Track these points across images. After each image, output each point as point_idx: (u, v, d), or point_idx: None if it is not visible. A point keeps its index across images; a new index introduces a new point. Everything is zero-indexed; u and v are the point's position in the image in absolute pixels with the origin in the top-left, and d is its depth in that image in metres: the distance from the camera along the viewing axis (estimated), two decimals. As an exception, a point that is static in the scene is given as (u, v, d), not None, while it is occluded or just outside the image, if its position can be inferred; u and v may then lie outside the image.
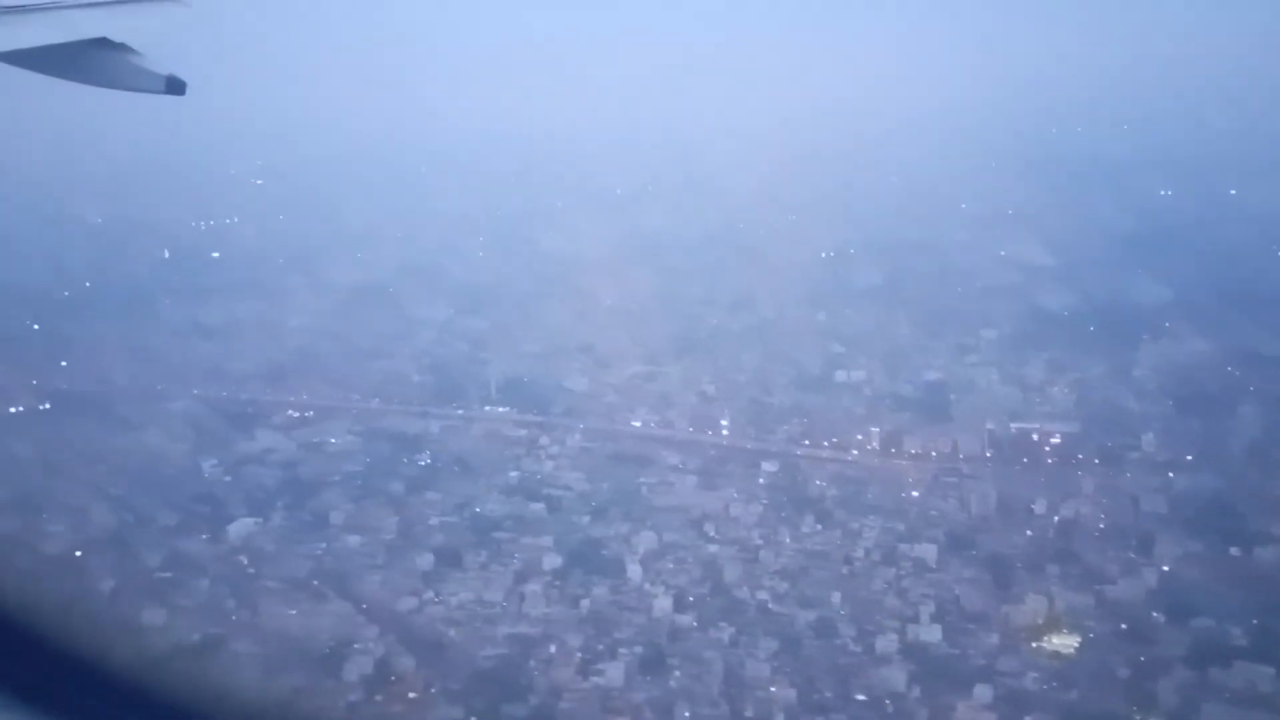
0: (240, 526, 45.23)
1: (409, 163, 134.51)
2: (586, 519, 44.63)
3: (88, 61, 10.93)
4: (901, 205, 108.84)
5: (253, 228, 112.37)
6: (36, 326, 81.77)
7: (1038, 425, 51.31)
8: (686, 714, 30.96)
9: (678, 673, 33.80)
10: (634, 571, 39.70)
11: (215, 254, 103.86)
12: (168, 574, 41.59)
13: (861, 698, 31.53)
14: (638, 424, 57.44)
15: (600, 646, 35.16)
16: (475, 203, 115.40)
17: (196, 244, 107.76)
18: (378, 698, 33.16)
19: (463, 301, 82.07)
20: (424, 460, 53.65)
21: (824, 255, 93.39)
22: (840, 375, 63.40)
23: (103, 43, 10.94)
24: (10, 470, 52.55)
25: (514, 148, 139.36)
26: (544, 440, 54.68)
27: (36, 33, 10.53)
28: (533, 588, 38.83)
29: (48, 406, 63.56)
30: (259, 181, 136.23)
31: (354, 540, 43.66)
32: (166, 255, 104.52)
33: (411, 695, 33.12)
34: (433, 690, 33.34)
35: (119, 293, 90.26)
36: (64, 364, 71.23)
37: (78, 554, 43.96)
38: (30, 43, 10.37)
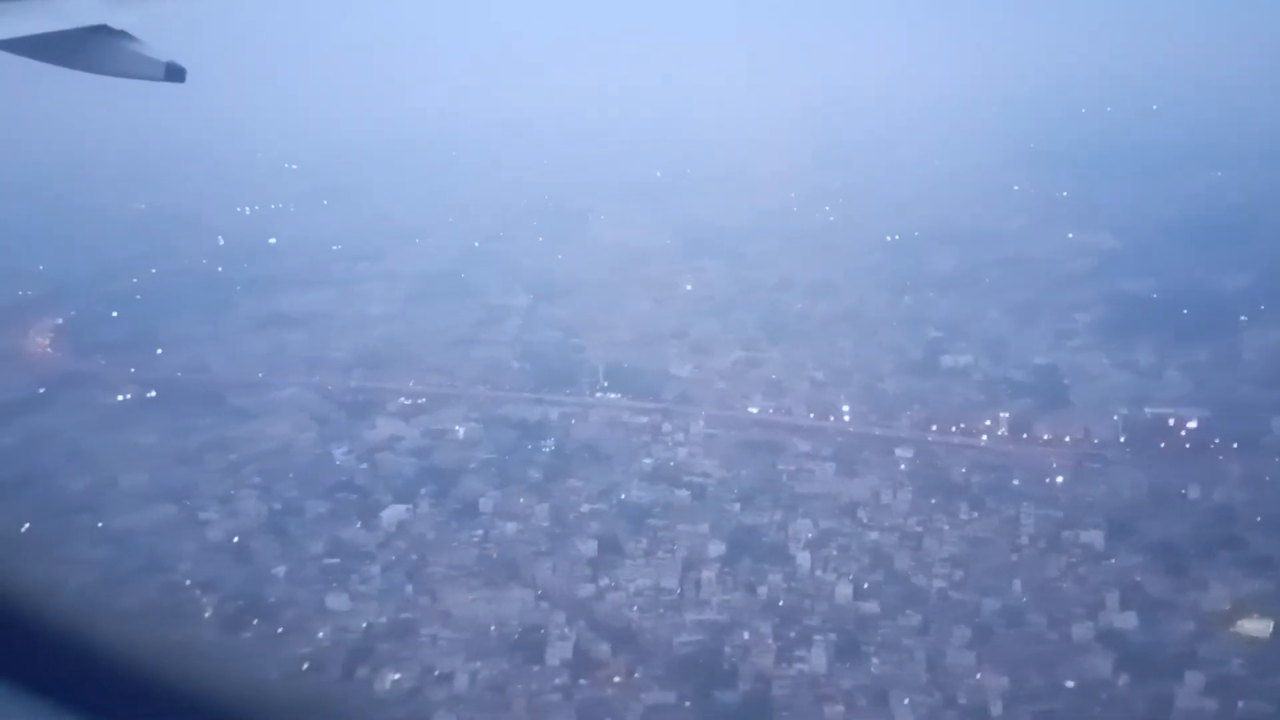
0: (392, 513, 45.55)
1: (434, 150, 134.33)
2: (736, 506, 44.83)
3: (87, 49, 10.85)
4: (949, 190, 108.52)
5: (299, 214, 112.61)
6: (115, 314, 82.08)
7: (1171, 410, 51.37)
8: (905, 701, 31.19)
9: (875, 660, 34.08)
10: (802, 559, 39.92)
11: (271, 240, 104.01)
12: (335, 560, 41.95)
13: (1070, 684, 31.79)
14: (754, 410, 57.60)
15: (792, 634, 35.47)
16: (513, 190, 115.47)
17: (247, 230, 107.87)
18: (582, 681, 33.41)
19: (536, 288, 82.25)
20: (549, 447, 53.87)
21: (887, 239, 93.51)
22: (947, 361, 63.51)
23: (102, 30, 10.88)
24: (141, 458, 52.91)
25: (537, 136, 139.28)
26: (666, 427, 54.86)
27: (35, 20, 10.44)
28: (706, 575, 39.07)
29: (154, 395, 63.84)
30: (293, 166, 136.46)
31: (511, 527, 43.94)
32: (221, 242, 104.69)
33: (617, 680, 33.42)
34: (636, 675, 33.64)
35: (187, 280, 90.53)
36: (159, 352, 71.57)
37: (235, 540, 44.40)
38: (29, 30, 10.29)
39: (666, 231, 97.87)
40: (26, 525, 44.95)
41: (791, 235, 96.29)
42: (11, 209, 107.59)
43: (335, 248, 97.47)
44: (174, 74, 10.98)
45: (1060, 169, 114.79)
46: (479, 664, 34.32)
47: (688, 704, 31.92)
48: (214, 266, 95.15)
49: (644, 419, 56.36)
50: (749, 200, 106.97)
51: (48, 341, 76.29)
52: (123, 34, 11.03)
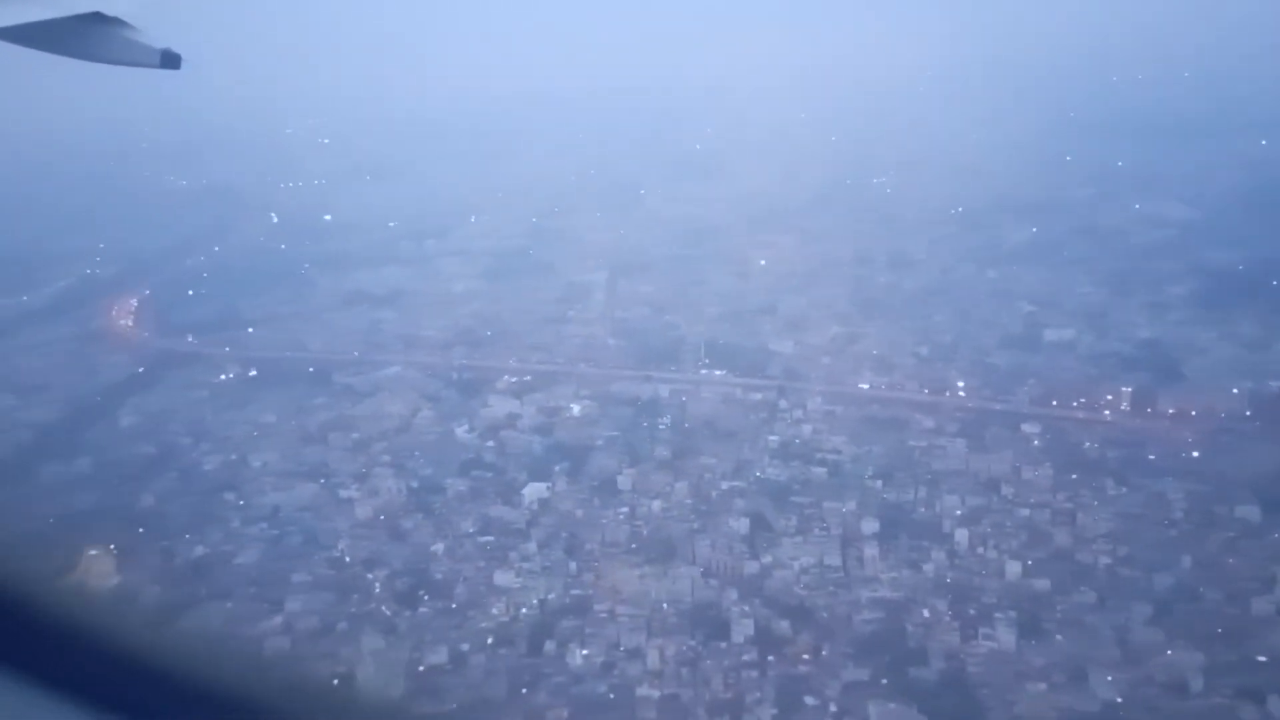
0: (533, 491, 45.82)
1: (461, 124, 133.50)
2: (878, 483, 44.96)
3: (82, 36, 10.79)
4: (1002, 161, 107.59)
5: (345, 190, 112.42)
6: (190, 292, 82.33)
7: (1300, 384, 51.27)
8: (1108, 678, 31.44)
9: (1060, 637, 34.31)
10: (960, 536, 40.08)
11: (327, 217, 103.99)
12: (489, 537, 42.28)
13: (1262, 659, 31.99)
14: (865, 386, 57.63)
15: (971, 611, 35.70)
16: (555, 164, 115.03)
17: (298, 207, 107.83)
18: (770, 658, 33.74)
19: (611, 265, 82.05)
20: (666, 424, 54.04)
21: (953, 212, 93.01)
22: (1050, 335, 63.34)
23: (97, 17, 10.81)
24: (266, 437, 53.28)
25: (563, 110, 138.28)
26: (783, 404, 54.95)
27: (31, 8, 10.40)
28: (868, 552, 39.28)
29: (255, 374, 64.14)
30: (325, 141, 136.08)
31: (656, 505, 44.19)
32: (275, 220, 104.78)
33: (805, 657, 33.73)
34: (824, 653, 33.94)
35: (253, 257, 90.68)
36: (250, 331, 71.80)
37: (382, 517, 44.76)
38: (23, 18, 10.26)
39: (723, 205, 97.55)
40: (178, 503, 45.52)
41: (853, 208, 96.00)
42: (52, 189, 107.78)
43: (392, 224, 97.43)
44: (169, 61, 10.95)
45: (1108, 137, 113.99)
46: (664, 640, 34.63)
47: (884, 681, 32.19)
48: (275, 244, 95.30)
49: (758, 396, 56.46)
50: (798, 173, 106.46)
51: (131, 320, 76.59)
52: (117, 21, 10.94)
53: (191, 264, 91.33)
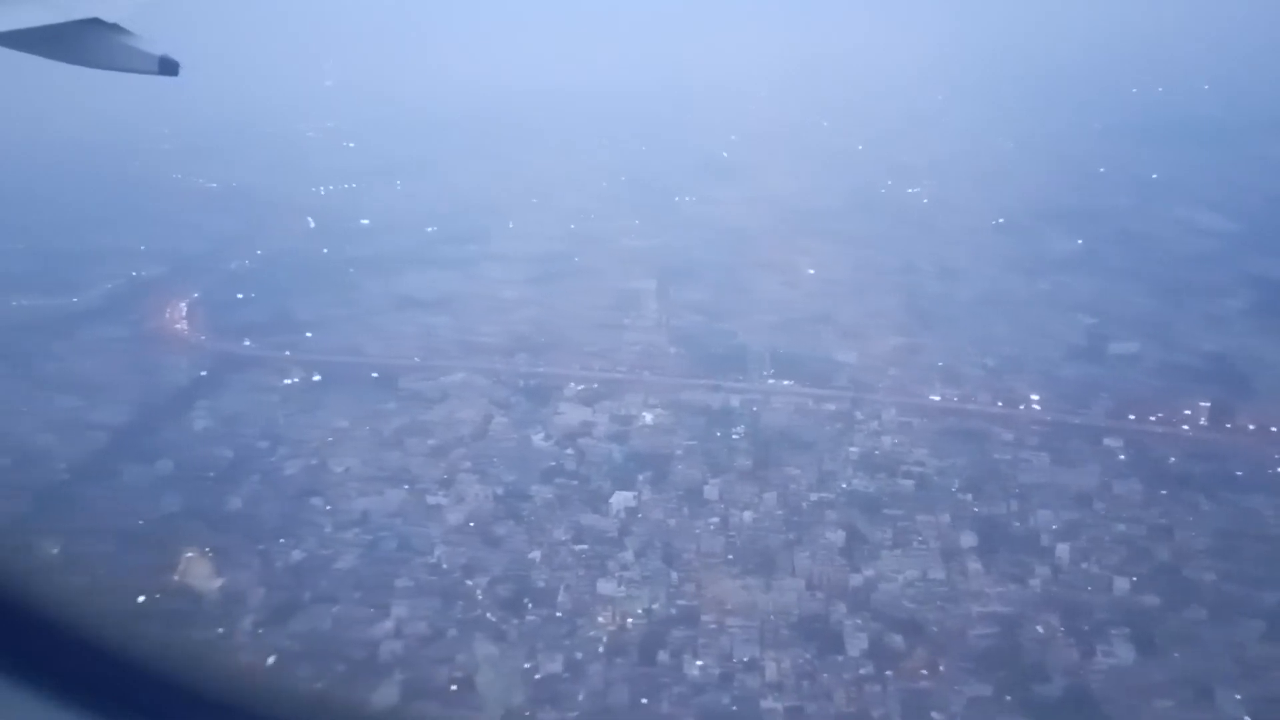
0: (620, 500, 45.78)
1: (481, 125, 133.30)
2: (969, 497, 44.98)
3: (80, 42, 10.75)
4: (1035, 169, 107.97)
5: (377, 193, 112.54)
6: (240, 295, 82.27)
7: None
8: (1237, 696, 31.39)
9: (1178, 654, 34.26)
10: (1061, 551, 40.04)
11: (364, 221, 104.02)
12: (584, 545, 42.24)
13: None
14: (937, 398, 57.61)
15: (1085, 627, 35.64)
16: (582, 167, 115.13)
17: (333, 210, 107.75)
18: (888, 673, 33.68)
19: (656, 272, 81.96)
20: (740, 433, 54.03)
21: (994, 223, 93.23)
22: (1115, 347, 63.40)
23: (94, 23, 10.77)
24: (342, 442, 53.20)
25: (582, 111, 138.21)
26: (858, 415, 54.92)
27: (28, 14, 10.35)
28: (972, 566, 39.23)
29: (319, 378, 64.05)
30: (350, 145, 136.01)
31: (748, 516, 44.14)
32: (312, 224, 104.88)
33: (923, 672, 33.65)
34: (942, 668, 33.88)
35: (296, 261, 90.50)
36: (308, 335, 71.75)
37: (472, 524, 44.73)
38: (21, 24, 10.21)
39: (759, 211, 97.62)
40: (266, 507, 45.48)
41: (891, 216, 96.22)
42: (79, 190, 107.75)
43: (430, 229, 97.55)
44: (167, 67, 10.88)
45: (1137, 147, 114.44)
46: (779, 653, 34.57)
47: (1008, 698, 32.12)
48: (317, 248, 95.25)
49: (831, 406, 56.43)
50: (829, 179, 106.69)
51: (185, 323, 76.56)
52: (115, 27, 10.90)
53: (236, 267, 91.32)
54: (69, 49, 10.83)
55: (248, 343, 70.71)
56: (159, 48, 11.09)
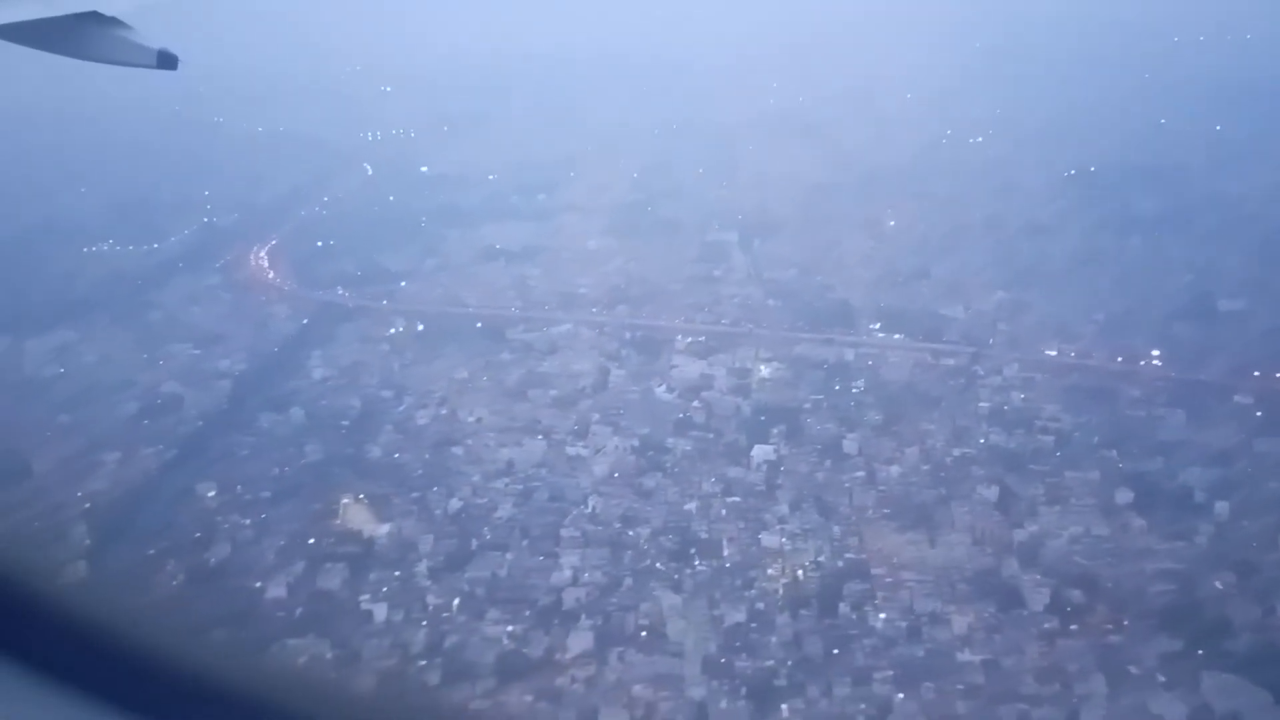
0: (761, 453, 45.88)
1: (516, 76, 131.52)
2: (1113, 453, 44.83)
3: (79, 36, 10.70)
4: (1095, 123, 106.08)
5: (428, 141, 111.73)
6: (319, 244, 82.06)
7: None
8: None
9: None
10: (1220, 508, 40.00)
11: (423, 169, 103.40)
12: (736, 498, 42.43)
13: None
14: (1053, 353, 57.28)
15: (1260, 583, 35.67)
16: (632, 116, 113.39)
17: (389, 158, 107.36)
18: (1073, 628, 33.92)
19: (736, 224, 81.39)
20: (860, 387, 53.96)
21: (1066, 175, 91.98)
22: (1224, 305, 62.68)
23: (93, 16, 10.70)
24: (465, 392, 53.35)
25: (612, 64, 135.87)
26: (979, 370, 54.72)
27: (28, 7, 10.31)
28: (1135, 523, 39.27)
29: (423, 328, 63.96)
30: (387, 89, 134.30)
31: (894, 470, 44.22)
32: (370, 172, 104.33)
33: (1109, 627, 33.88)
34: (1126, 623, 34.10)
35: (366, 209, 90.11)
36: (403, 285, 71.68)
37: (616, 474, 44.93)
38: (20, 16, 10.17)
39: (825, 164, 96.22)
40: (407, 455, 45.73)
41: (961, 169, 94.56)
42: (129, 132, 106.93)
43: (491, 177, 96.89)
44: (166, 61, 10.88)
45: (1193, 100, 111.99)
46: (961, 607, 34.82)
47: (1200, 652, 32.33)
48: (383, 195, 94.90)
49: (950, 361, 56.26)
50: (889, 132, 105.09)
51: (273, 271, 76.48)
52: (114, 20, 10.84)
53: (306, 214, 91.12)
54: (68, 42, 10.83)
55: (341, 291, 70.69)
56: (158, 41, 11.09)
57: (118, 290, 69.34)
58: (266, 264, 77.75)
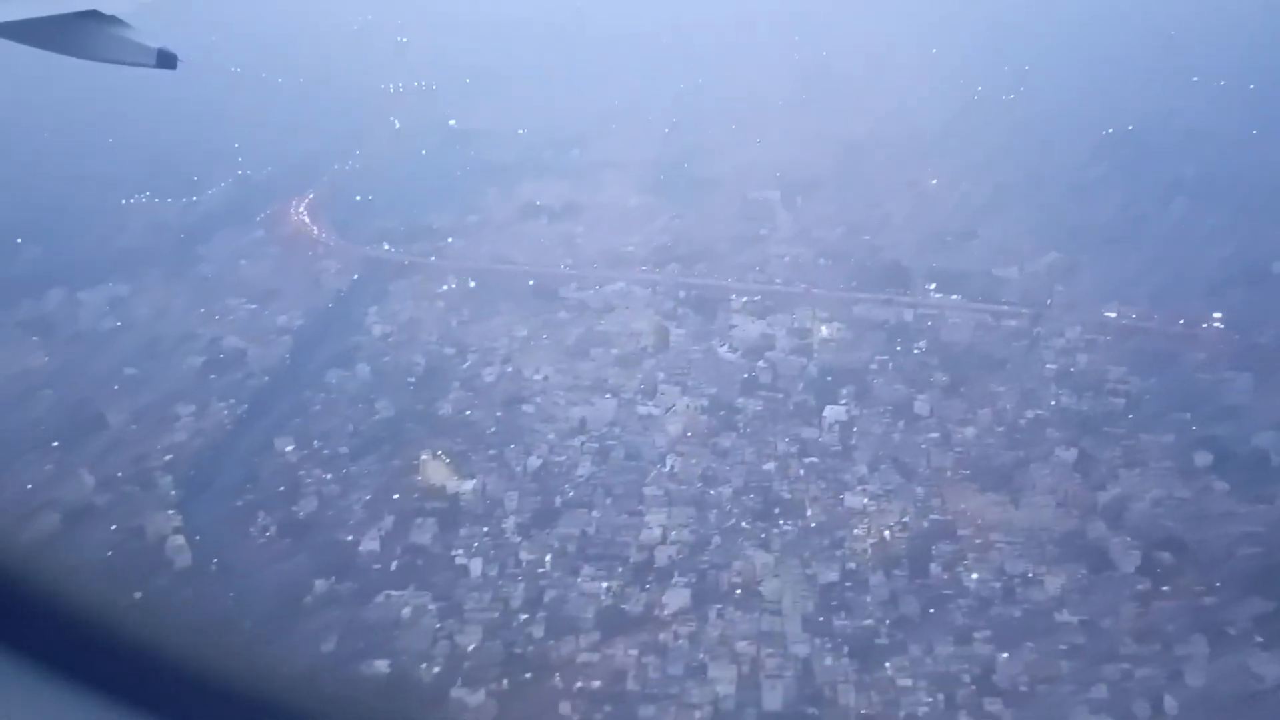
0: (832, 414, 45.85)
1: (520, 29, 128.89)
2: (1185, 415, 44.82)
3: (79, 34, 10.71)
4: (1123, 80, 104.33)
5: (451, 94, 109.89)
6: (358, 198, 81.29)
7: None
8: None
9: None
10: (1299, 471, 40.09)
11: (451, 122, 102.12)
12: (813, 458, 42.51)
13: None
14: (1113, 315, 57.02)
15: (1349, 547, 35.89)
16: (649, 73, 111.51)
17: (412, 110, 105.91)
18: (1165, 588, 34.18)
19: (777, 182, 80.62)
20: (922, 347, 53.86)
21: (1104, 132, 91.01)
22: (1276, 267, 62.32)
23: (93, 15, 10.67)
24: (545, 351, 53.18)
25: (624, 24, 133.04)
26: (1041, 332, 54.53)
27: (27, 5, 10.26)
28: (1216, 485, 39.40)
29: (474, 285, 63.47)
30: (403, 39, 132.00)
31: (969, 432, 44.25)
32: (397, 125, 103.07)
33: (1199, 589, 34.14)
34: (1218, 584, 34.35)
35: (402, 164, 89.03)
36: (449, 240, 71.21)
37: (689, 434, 44.98)
38: (20, 15, 10.12)
39: (859, 122, 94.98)
40: (479, 413, 45.75)
41: (994, 123, 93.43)
42: (147, 81, 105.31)
43: (521, 132, 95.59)
44: (165, 61, 10.86)
45: (1224, 58, 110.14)
46: (1052, 568, 35.05)
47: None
48: (415, 149, 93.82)
49: (1011, 323, 56.07)
50: (919, 89, 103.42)
51: (317, 227, 75.89)
52: (114, 19, 10.80)
53: (340, 169, 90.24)
54: (67, 41, 10.79)
55: (388, 247, 70.20)
56: (157, 40, 11.05)
57: (162, 243, 68.86)
58: (308, 218, 77.09)
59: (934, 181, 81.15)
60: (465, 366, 51.14)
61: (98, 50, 10.90)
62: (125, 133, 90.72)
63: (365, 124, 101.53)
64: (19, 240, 68.07)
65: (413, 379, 49.65)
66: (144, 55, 10.88)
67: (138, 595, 32.26)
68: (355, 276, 65.10)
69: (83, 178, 78.06)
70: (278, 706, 3.98)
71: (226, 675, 3.96)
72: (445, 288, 62.78)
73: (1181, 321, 55.83)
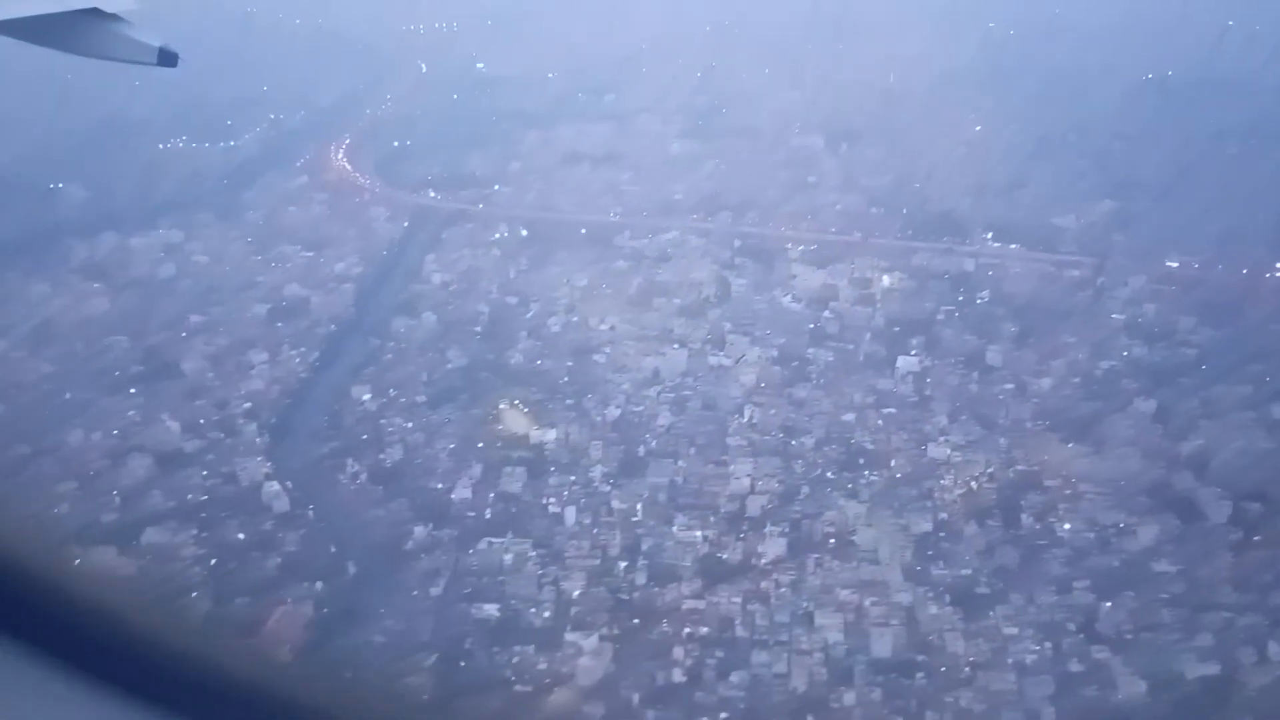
0: (905, 364, 45.70)
1: None
2: (1259, 367, 44.57)
3: (79, 32, 10.64)
4: (1153, 23, 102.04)
5: (474, 36, 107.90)
6: (396, 144, 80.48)
7: None
8: None
9: None
10: (1382, 423, 40.03)
11: (480, 65, 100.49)
12: (890, 409, 42.50)
13: None
14: (1175, 264, 56.55)
15: None
16: (668, 16, 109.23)
17: (438, 53, 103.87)
18: (1256, 538, 34.35)
19: (814, 127, 79.33)
20: (985, 298, 53.62)
21: (1144, 78, 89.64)
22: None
23: (94, 13, 10.57)
24: (606, 300, 52.88)
25: None
26: (1104, 281, 54.16)
27: (27, 2, 10.20)
28: (1301, 437, 39.36)
29: (526, 234, 62.92)
30: None
31: (1045, 383, 44.17)
32: (424, 69, 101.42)
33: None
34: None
35: (434, 110, 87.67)
36: (497, 188, 70.45)
37: (764, 385, 44.84)
38: (20, 13, 10.04)
39: (892, 66, 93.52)
40: (550, 362, 45.67)
41: (1032, 70, 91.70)
42: (167, 26, 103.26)
43: (551, 76, 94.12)
44: (166, 59, 10.79)
45: (1256, 4, 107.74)
46: (1144, 518, 35.20)
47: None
48: (446, 95, 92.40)
49: (1074, 273, 55.67)
50: (946, 32, 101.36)
51: (359, 173, 75.07)
52: (114, 17, 10.72)
53: (372, 113, 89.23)
54: (67, 39, 10.69)
55: (433, 194, 69.53)
56: (158, 38, 10.88)
57: (206, 188, 68.37)
58: (349, 164, 76.30)
59: (977, 128, 79.95)
60: (529, 316, 50.90)
61: (99, 48, 10.84)
62: (149, 75, 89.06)
63: (391, 68, 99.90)
64: (59, 185, 67.47)
65: (478, 328, 49.46)
66: (145, 53, 10.77)
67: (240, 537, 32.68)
68: (405, 224, 64.55)
69: (112, 121, 77.03)
70: None
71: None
72: (497, 236, 62.26)
73: (1244, 271, 55.40)
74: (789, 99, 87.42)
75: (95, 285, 51.95)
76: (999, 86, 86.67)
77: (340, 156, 77.43)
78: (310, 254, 57.29)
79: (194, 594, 29.98)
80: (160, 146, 76.17)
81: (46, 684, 3.01)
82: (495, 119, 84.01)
